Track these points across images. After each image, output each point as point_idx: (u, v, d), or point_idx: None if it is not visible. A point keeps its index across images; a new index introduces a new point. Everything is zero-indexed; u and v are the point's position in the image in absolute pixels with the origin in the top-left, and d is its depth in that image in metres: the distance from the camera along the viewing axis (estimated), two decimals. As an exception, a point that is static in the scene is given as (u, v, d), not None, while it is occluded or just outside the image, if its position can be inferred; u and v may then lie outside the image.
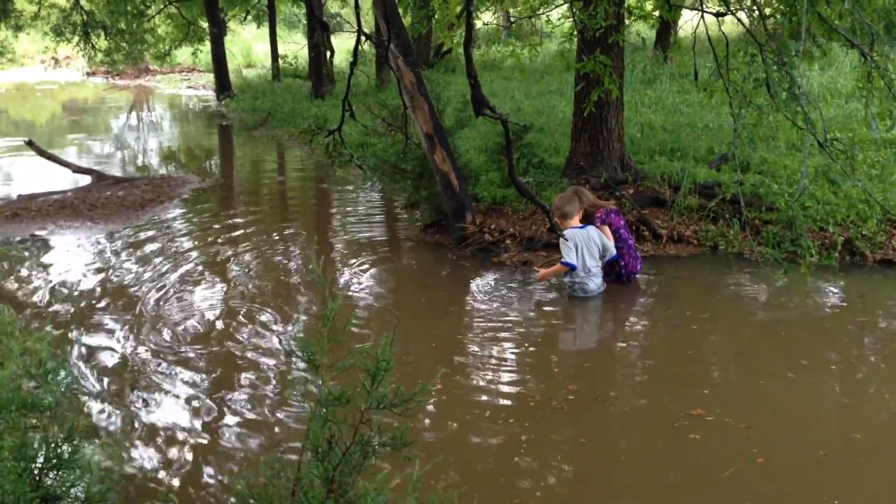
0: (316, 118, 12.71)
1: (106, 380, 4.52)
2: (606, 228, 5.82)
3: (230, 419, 4.07)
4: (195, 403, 4.25)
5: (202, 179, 10.24)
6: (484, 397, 4.27)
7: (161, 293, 5.88)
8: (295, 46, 22.42)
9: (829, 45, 5.54)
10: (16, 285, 6.17)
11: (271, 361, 4.74)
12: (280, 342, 5.00)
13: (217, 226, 7.90)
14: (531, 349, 4.96)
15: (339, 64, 16.49)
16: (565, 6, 8.55)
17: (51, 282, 6.19)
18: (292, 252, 7.05)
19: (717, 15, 6.04)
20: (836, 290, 5.84)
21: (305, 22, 22.44)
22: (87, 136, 14.82)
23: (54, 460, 2.05)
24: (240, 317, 5.41)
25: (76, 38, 15.72)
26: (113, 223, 7.89)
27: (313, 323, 5.31)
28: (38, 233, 7.56)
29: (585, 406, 4.19)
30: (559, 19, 11.38)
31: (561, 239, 5.64)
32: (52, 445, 2.07)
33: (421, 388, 2.00)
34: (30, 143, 10.41)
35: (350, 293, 5.89)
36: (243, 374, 4.57)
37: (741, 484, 3.42)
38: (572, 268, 5.59)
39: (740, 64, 5.14)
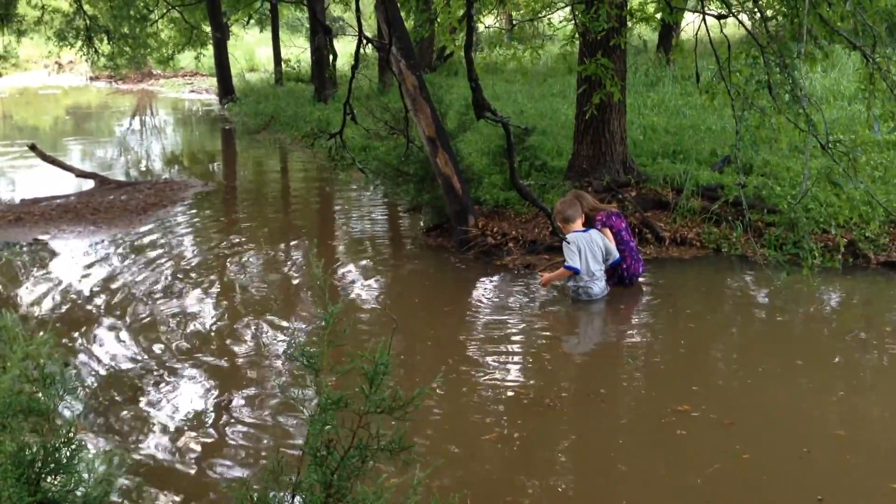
0: (318, 122, 12.75)
1: (107, 384, 4.52)
2: (607, 231, 5.81)
3: (232, 423, 4.07)
4: (196, 407, 4.25)
5: (205, 183, 10.25)
6: (483, 397, 4.29)
7: (163, 297, 5.89)
8: (297, 50, 22.45)
9: (831, 47, 5.52)
10: (18, 289, 6.19)
11: (273, 365, 4.74)
12: (282, 346, 5.00)
13: (220, 230, 7.91)
14: (532, 350, 4.97)
15: (341, 67, 16.48)
16: (567, 9, 8.56)
17: (53, 286, 6.19)
18: (295, 256, 7.05)
19: (719, 17, 6.03)
20: (838, 293, 5.82)
21: (308, 26, 22.49)
22: (90, 140, 14.86)
23: (53, 464, 2.04)
24: (242, 321, 5.40)
25: (79, 43, 15.75)
26: (116, 227, 7.90)
27: (315, 326, 5.31)
28: (40, 237, 7.56)
29: (577, 403, 4.27)
30: (561, 22, 11.41)
31: (564, 243, 5.63)
32: (51, 449, 2.07)
33: (419, 393, 2.00)
34: (33, 148, 10.44)
35: (352, 296, 5.89)
36: (245, 379, 4.58)
37: (726, 479, 3.46)
38: (576, 272, 5.58)
39: (742, 66, 5.14)
